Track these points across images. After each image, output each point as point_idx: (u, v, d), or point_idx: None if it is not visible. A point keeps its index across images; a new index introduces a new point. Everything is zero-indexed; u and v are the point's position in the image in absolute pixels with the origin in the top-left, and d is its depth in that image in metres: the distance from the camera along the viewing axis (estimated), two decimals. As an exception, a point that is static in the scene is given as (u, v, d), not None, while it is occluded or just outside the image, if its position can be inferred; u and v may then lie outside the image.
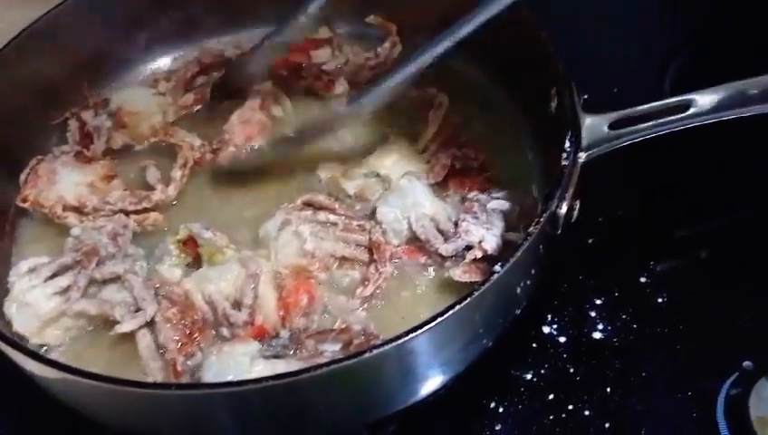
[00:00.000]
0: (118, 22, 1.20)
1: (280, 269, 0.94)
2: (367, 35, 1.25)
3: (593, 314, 1.00)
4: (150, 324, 0.90)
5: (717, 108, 0.87)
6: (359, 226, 0.98)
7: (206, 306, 0.91)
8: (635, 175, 1.13)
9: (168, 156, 1.10)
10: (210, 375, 0.83)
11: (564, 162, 0.85)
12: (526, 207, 0.96)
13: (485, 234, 0.92)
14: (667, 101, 0.89)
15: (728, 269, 1.03)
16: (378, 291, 0.93)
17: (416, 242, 0.96)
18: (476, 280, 0.88)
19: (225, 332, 0.90)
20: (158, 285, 0.93)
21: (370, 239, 0.96)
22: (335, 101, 1.17)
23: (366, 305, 0.92)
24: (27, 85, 1.09)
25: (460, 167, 1.03)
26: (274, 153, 1.09)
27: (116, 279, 0.94)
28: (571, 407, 0.92)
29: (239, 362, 0.82)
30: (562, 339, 0.98)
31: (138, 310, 0.90)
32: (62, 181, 1.05)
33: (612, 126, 0.89)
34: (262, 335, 0.88)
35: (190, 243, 0.97)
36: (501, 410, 0.93)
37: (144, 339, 0.89)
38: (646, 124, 0.88)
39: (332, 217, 0.98)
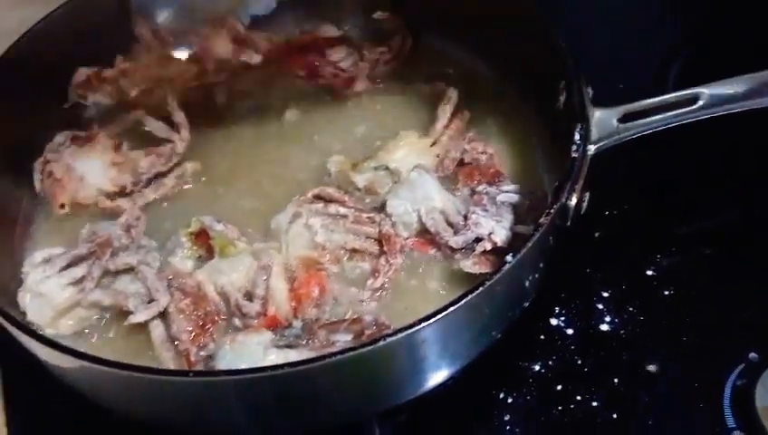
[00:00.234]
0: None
1: (291, 261, 0.95)
2: (371, 32, 1.26)
3: (600, 306, 1.00)
4: (163, 316, 0.90)
5: (726, 101, 0.88)
6: (369, 218, 0.98)
7: (218, 297, 0.92)
8: (642, 170, 1.13)
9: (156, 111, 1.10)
10: (224, 364, 0.83)
11: (574, 154, 0.86)
12: (535, 201, 0.96)
13: (495, 226, 0.92)
14: (676, 94, 0.90)
15: (734, 262, 1.04)
16: (388, 283, 0.93)
17: (425, 234, 0.96)
18: (486, 271, 0.89)
19: (237, 322, 0.91)
20: (170, 277, 0.93)
21: (380, 232, 0.96)
22: (354, 99, 1.17)
23: (376, 296, 0.92)
24: (34, 82, 1.09)
25: (469, 160, 1.03)
26: None
27: (129, 270, 0.94)
28: (578, 398, 0.93)
29: (253, 352, 0.83)
30: (570, 331, 0.99)
31: (151, 301, 0.91)
32: (87, 173, 1.03)
33: (621, 119, 0.89)
34: (275, 325, 0.88)
35: (202, 235, 0.97)
36: (509, 400, 0.93)
37: (157, 329, 0.89)
38: (654, 117, 0.89)
39: (342, 210, 0.98)
